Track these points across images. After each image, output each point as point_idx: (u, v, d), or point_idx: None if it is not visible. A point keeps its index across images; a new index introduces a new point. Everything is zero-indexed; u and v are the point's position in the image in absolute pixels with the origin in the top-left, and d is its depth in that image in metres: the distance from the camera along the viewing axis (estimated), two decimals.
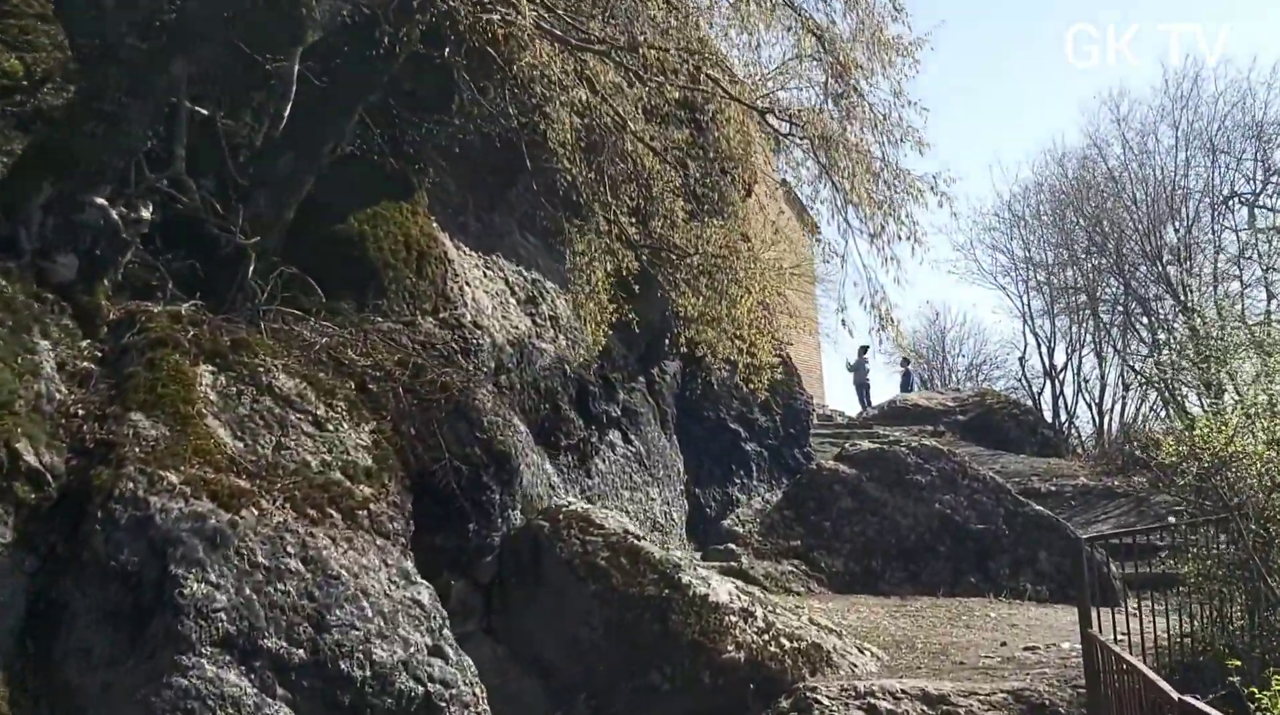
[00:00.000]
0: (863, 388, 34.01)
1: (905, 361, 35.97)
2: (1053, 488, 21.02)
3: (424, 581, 6.91)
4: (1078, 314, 27.85)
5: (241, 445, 6.67)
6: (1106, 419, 28.53)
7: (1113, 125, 28.16)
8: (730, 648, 8.51)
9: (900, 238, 8.23)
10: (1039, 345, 30.19)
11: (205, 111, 8.42)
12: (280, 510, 6.30)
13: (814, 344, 40.77)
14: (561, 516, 9.20)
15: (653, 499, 15.13)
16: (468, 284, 11.72)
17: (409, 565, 6.89)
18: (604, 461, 14.24)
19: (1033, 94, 75.78)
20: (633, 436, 15.03)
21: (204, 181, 8.39)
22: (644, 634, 8.55)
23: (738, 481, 17.56)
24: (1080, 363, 29.17)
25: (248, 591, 5.74)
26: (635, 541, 9.05)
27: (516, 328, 12.34)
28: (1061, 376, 29.85)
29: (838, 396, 42.33)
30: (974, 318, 53.92)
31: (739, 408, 17.92)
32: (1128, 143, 26.44)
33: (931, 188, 8.01)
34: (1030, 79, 77.29)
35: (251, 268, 8.01)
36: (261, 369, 7.23)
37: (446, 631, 6.75)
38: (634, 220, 10.83)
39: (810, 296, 40.55)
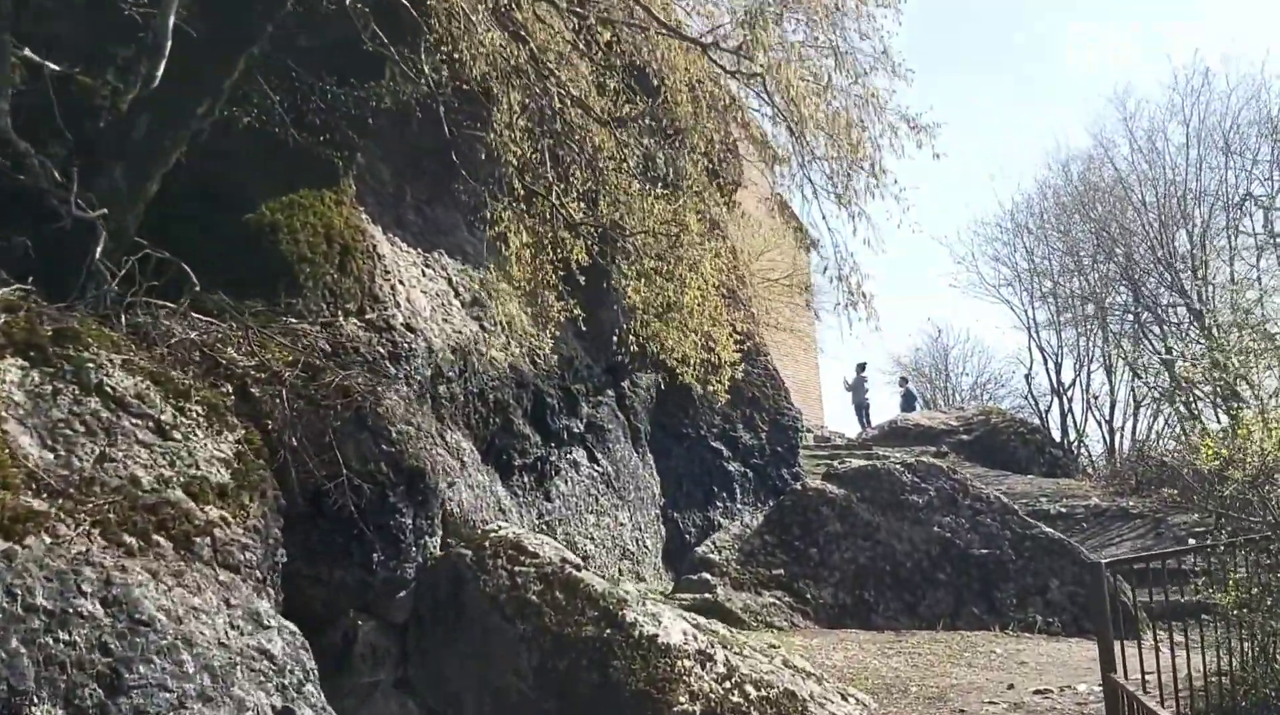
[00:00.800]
0: (862, 408, 32.57)
1: (904, 380, 34.55)
2: (1063, 509, 19.62)
3: (283, 625, 5.54)
4: (1085, 326, 26.40)
5: (50, 456, 5.32)
6: (1118, 437, 27.10)
7: (1120, 124, 26.79)
8: (683, 699, 7.10)
9: (873, 193, 6.89)
10: (1045, 361, 28.73)
11: (57, 67, 7.14)
12: (84, 537, 4.94)
13: (812, 363, 39.46)
14: (488, 544, 7.81)
15: (622, 524, 13.75)
16: (402, 282, 10.41)
17: (263, 605, 5.51)
18: (566, 482, 12.88)
19: (1034, 97, 74.35)
20: (600, 455, 13.67)
21: (55, 149, 7.11)
22: (580, 684, 7.15)
23: (720, 504, 16.16)
24: (1089, 379, 27.74)
25: (14, 644, 4.37)
26: (574, 572, 7.66)
27: (460, 332, 11.02)
28: (1069, 393, 28.41)
29: (837, 417, 40.86)
30: (977, 334, 52.60)
31: (721, 424, 16.55)
32: (1135, 142, 24.98)
33: (909, 122, 6.67)
34: (1031, 82, 76.10)
35: (100, 247, 6.68)
36: (92, 365, 5.87)
37: (309, 688, 5.38)
38: (581, 205, 9.55)
39: (807, 313, 39.28)
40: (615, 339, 13.85)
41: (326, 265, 9.57)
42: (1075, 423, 28.24)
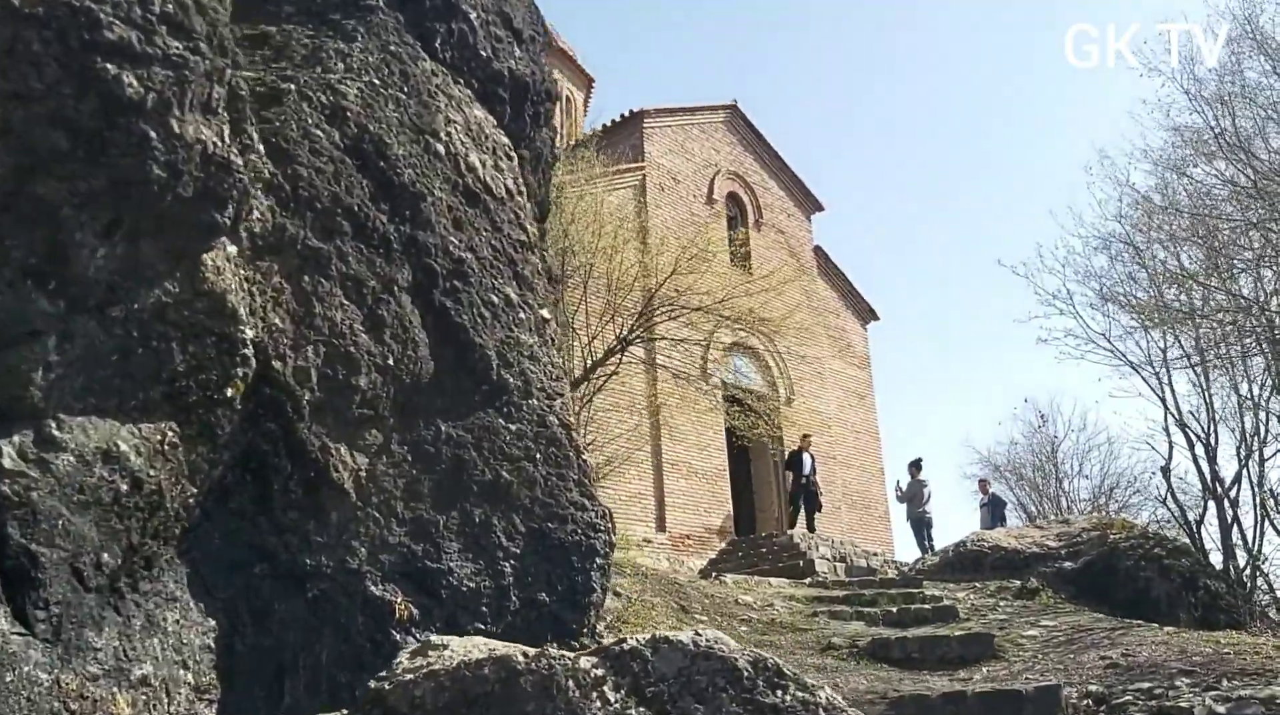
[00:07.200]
0: (921, 525, 22.53)
1: (985, 483, 24.02)
2: (1239, 694, 9.53)
3: None
4: (1246, 369, 16.35)
5: None
6: None
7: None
8: None
9: None
10: (1190, 443, 18.58)
11: None
12: None
13: (874, 468, 29.75)
14: None
15: None
16: None
17: None
18: None
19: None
20: None
21: None
22: None
23: None
24: (1262, 466, 17.56)
25: None
26: None
27: None
28: (1233, 492, 18.21)
29: (909, 544, 30.57)
30: (1097, 416, 40.53)
31: (404, 543, 7.36)
32: None
33: None
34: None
35: None
36: None
37: None
38: None
39: (864, 402, 29.76)
40: None
41: None
42: (1245, 539, 17.94)
